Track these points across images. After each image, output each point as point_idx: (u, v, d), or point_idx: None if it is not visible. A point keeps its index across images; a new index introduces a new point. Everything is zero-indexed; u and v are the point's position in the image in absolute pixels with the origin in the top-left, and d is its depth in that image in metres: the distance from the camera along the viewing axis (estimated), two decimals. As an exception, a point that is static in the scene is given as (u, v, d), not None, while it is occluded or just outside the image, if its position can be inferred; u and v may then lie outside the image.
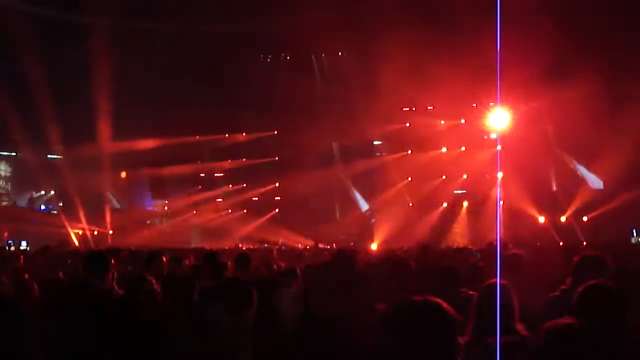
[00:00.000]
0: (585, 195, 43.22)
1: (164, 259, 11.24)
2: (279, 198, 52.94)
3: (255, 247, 37.95)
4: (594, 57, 33.14)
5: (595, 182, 44.72)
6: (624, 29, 33.86)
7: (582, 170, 45.37)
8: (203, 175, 54.00)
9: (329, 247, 37.88)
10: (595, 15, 33.79)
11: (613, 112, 36.46)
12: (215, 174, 54.09)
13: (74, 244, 41.58)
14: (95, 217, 48.10)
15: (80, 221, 46.82)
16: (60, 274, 10.74)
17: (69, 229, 45.52)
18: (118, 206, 52.10)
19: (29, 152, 48.06)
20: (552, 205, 44.14)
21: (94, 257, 9.01)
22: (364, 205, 52.17)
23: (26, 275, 9.33)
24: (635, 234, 39.61)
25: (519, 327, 6.12)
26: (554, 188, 46.25)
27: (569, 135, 38.26)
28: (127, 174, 49.79)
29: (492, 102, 37.59)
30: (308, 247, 39.51)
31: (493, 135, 44.34)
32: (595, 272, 6.97)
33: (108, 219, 48.62)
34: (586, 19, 33.57)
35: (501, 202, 42.44)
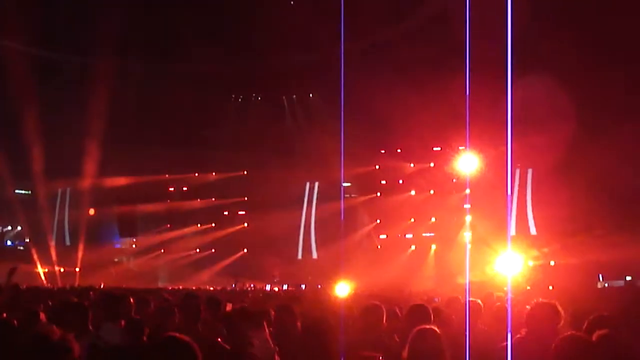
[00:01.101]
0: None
1: (131, 300, 11.18)
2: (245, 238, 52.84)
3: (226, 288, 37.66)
4: (565, 101, 33.52)
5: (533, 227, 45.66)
6: (596, 68, 34.27)
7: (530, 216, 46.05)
8: (172, 213, 53.71)
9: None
10: (564, 55, 34.18)
11: (580, 156, 36.76)
12: (184, 213, 53.85)
13: (43, 282, 41.25)
14: (63, 255, 47.77)
15: (48, 258, 46.48)
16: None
17: (38, 266, 45.18)
18: (76, 244, 51.49)
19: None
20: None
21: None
22: (316, 251, 52.17)
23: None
24: (601, 279, 39.83)
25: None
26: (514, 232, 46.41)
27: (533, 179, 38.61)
28: (95, 211, 49.51)
29: (461, 146, 37.82)
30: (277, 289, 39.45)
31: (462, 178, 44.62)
32: (547, 321, 7.08)
33: (76, 256, 48.20)
34: (557, 59, 33.97)
35: (469, 246, 42.53)
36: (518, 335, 7.45)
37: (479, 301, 10.30)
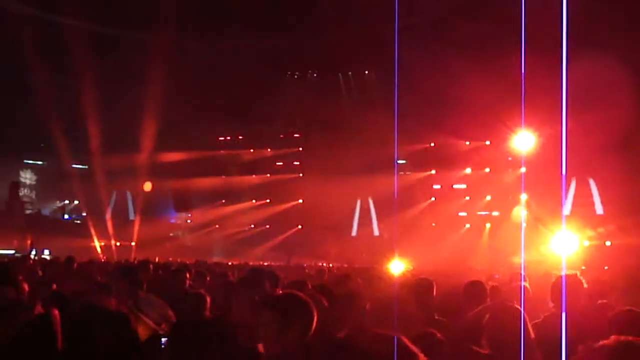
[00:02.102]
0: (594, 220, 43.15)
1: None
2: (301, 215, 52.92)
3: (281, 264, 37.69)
4: (625, 76, 33.04)
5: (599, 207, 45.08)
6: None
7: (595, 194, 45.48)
8: (227, 189, 53.89)
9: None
10: (623, 34, 33.70)
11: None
12: (239, 189, 54.01)
13: (100, 255, 41.67)
14: (119, 229, 48.20)
15: (104, 232, 46.93)
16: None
17: (95, 240, 45.66)
18: (132, 218, 51.89)
19: (54, 162, 48.33)
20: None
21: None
22: (378, 228, 52.06)
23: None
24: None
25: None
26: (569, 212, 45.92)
27: (590, 159, 38.15)
28: (151, 186, 49.84)
29: (517, 125, 37.47)
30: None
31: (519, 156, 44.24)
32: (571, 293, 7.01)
33: (132, 230, 48.59)
34: (611, 40, 33.49)
35: (524, 225, 42.21)
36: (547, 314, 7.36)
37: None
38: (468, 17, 38.11)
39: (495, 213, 48.84)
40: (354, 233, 52.84)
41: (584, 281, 7.36)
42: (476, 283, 8.72)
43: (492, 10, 35.64)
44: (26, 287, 7.97)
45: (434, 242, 44.22)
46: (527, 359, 5.55)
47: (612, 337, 3.81)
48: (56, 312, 6.59)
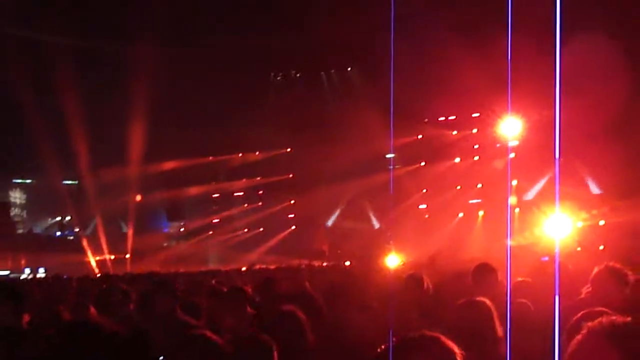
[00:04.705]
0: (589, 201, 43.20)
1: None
2: (293, 215, 52.94)
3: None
4: (616, 59, 33.05)
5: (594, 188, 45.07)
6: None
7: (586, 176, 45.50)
8: (218, 195, 53.89)
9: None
10: (609, 23, 33.74)
11: (624, 121, 36.28)
12: (231, 194, 54.00)
13: (94, 270, 41.67)
14: (113, 242, 48.15)
15: (97, 247, 46.88)
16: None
17: (89, 255, 45.63)
18: (124, 230, 51.76)
19: (44, 179, 48.28)
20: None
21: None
22: (376, 222, 52.03)
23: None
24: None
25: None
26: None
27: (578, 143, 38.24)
28: (142, 197, 49.80)
29: (504, 111, 37.53)
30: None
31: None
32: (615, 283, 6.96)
33: (126, 243, 48.57)
34: (598, 26, 33.50)
35: (517, 210, 42.29)
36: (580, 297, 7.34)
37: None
38: (451, 5, 38.15)
39: (485, 201, 48.90)
40: (347, 230, 52.77)
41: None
42: (484, 265, 8.69)
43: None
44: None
45: (427, 234, 44.29)
46: (490, 355, 5.57)
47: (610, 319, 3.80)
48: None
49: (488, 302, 6.32)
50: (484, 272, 8.41)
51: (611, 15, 33.86)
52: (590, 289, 7.23)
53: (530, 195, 44.67)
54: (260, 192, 53.95)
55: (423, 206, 50.75)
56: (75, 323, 6.63)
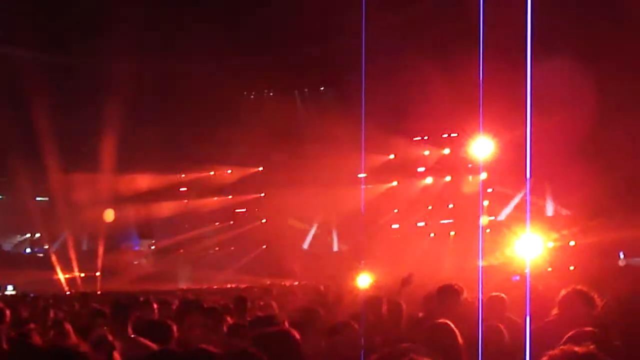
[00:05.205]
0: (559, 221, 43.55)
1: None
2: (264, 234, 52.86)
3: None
4: (580, 83, 33.29)
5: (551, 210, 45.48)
6: (608, 57, 34.10)
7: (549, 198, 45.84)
8: (189, 213, 53.72)
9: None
10: (578, 42, 34.04)
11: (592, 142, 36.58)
12: (202, 212, 53.83)
13: (64, 288, 41.44)
14: (83, 259, 47.87)
15: (67, 264, 46.59)
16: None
17: (59, 273, 45.36)
18: (95, 248, 51.43)
19: (13, 195, 48.02)
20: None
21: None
22: (347, 241, 51.98)
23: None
24: (622, 257, 39.72)
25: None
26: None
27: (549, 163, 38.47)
28: (113, 215, 49.56)
29: (475, 131, 37.72)
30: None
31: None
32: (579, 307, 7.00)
33: (96, 261, 48.29)
34: (568, 45, 33.76)
35: (488, 230, 42.44)
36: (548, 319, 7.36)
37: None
38: (424, 26, 38.30)
39: (456, 221, 49.03)
40: (319, 249, 52.77)
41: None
42: (447, 287, 8.75)
43: (449, 18, 35.92)
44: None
45: (398, 254, 44.32)
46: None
47: (559, 348, 3.84)
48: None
49: (451, 324, 6.35)
50: (448, 293, 8.47)
51: (579, 38, 34.15)
52: (557, 311, 7.27)
53: (502, 215, 44.95)
54: (232, 210, 53.88)
55: (396, 226, 50.89)
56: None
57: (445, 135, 47.66)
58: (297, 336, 5.84)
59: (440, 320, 6.46)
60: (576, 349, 3.77)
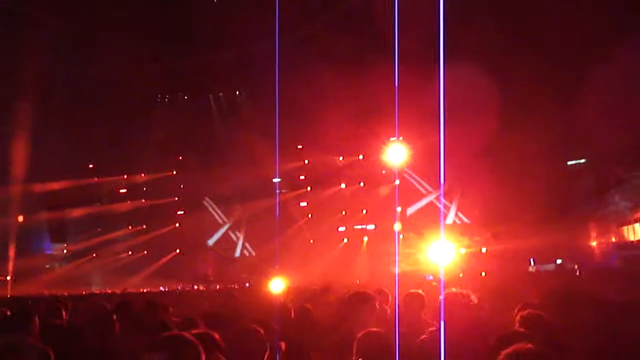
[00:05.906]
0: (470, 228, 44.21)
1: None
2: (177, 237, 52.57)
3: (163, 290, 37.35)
4: (490, 90, 33.76)
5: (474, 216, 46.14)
6: (523, 56, 34.63)
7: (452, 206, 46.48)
8: (102, 217, 53.09)
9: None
10: (498, 51, 34.54)
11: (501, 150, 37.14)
12: (115, 216, 53.27)
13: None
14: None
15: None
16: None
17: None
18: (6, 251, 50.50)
19: None
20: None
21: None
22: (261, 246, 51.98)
23: None
24: (533, 263, 40.34)
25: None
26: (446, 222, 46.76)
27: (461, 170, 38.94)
28: (24, 218, 48.73)
29: (390, 138, 38.00)
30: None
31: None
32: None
33: (7, 264, 47.40)
34: (476, 52, 34.22)
35: (401, 236, 42.77)
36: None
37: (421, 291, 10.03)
38: (338, 31, 38.52)
39: (371, 226, 49.31)
40: (236, 254, 52.70)
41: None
42: (358, 294, 8.77)
43: (362, 24, 36.17)
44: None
45: (312, 259, 44.50)
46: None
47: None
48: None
49: (382, 332, 6.43)
50: (359, 301, 8.47)
51: (490, 48, 34.63)
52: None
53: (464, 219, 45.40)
54: (145, 214, 53.42)
55: (314, 231, 51.02)
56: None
57: (364, 141, 47.95)
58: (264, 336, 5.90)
59: (374, 330, 6.52)
60: (529, 346, 3.90)
